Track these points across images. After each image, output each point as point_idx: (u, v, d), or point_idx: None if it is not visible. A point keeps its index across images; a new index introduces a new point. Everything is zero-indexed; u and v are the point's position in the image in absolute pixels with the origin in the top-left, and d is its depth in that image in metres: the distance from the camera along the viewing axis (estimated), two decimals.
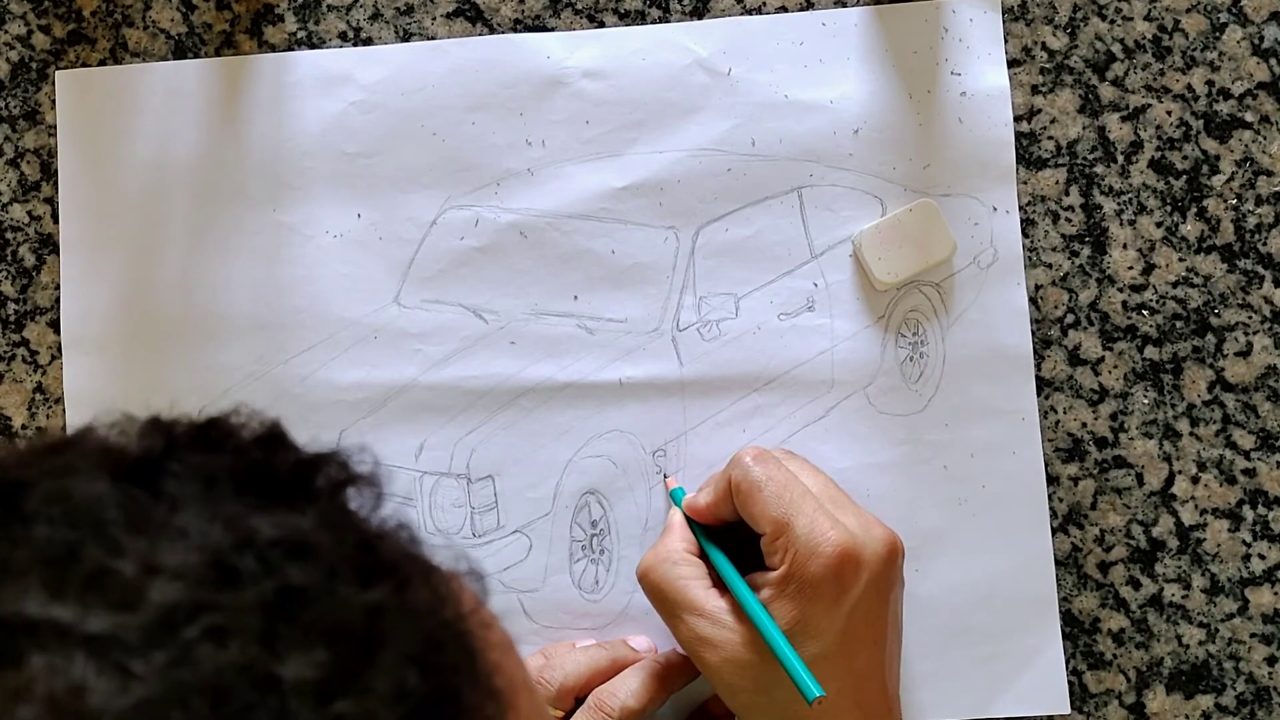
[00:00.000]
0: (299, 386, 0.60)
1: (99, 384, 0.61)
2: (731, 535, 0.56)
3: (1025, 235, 0.61)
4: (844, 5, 0.62)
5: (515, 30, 0.62)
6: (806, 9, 0.62)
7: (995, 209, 0.61)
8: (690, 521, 0.57)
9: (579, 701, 0.56)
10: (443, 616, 0.30)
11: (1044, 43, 0.62)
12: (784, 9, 0.62)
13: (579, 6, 0.63)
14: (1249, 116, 0.61)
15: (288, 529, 0.28)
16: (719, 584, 0.54)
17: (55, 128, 0.62)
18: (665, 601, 0.54)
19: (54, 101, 0.62)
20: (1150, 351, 0.61)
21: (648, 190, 0.61)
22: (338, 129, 0.62)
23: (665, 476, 0.60)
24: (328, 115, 0.62)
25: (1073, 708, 0.59)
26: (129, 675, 0.25)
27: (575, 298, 0.61)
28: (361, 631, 0.27)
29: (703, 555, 0.56)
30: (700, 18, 0.62)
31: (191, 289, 0.61)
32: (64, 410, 0.61)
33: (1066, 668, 0.59)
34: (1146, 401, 0.60)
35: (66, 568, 0.27)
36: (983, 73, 0.61)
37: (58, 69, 0.62)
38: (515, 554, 0.59)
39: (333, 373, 0.61)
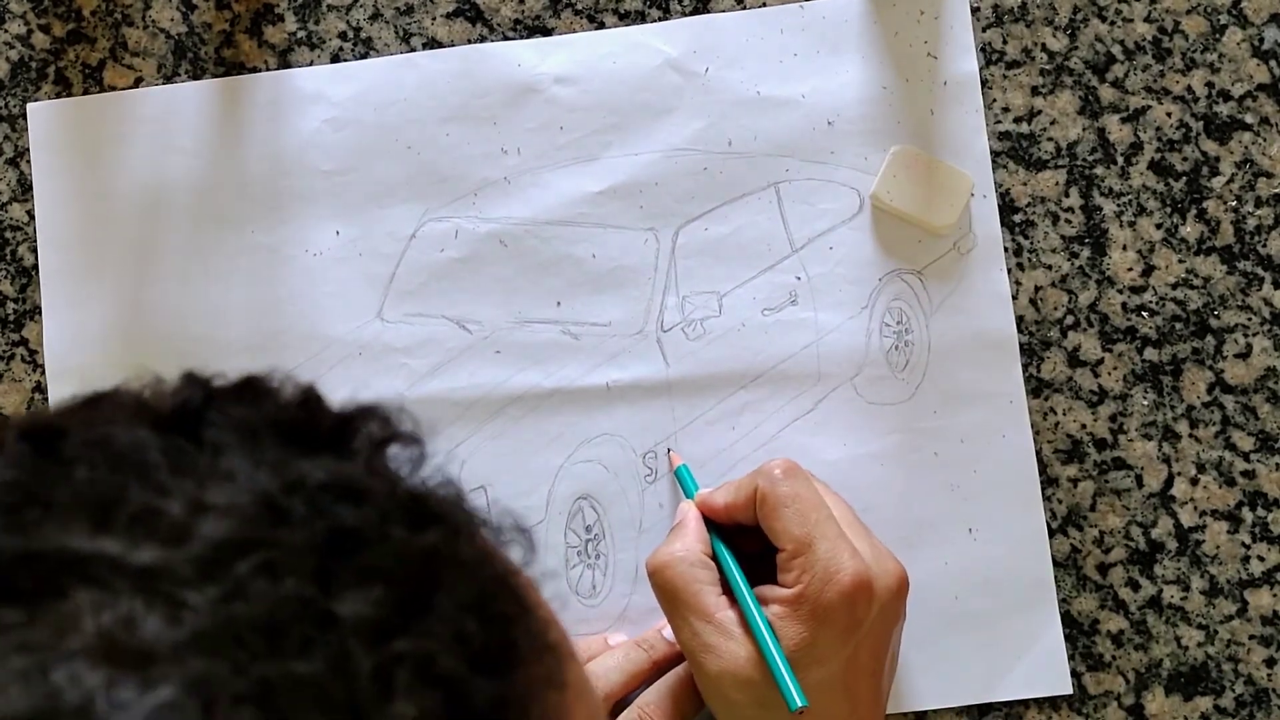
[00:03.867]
0: None
1: None
2: (729, 538, 0.55)
3: (1025, 237, 0.61)
4: None
5: (515, 30, 0.62)
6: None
7: (973, 194, 0.61)
8: (707, 521, 0.56)
9: (620, 705, 0.56)
10: (494, 569, 0.29)
11: (1044, 44, 0.62)
12: (764, 3, 0.62)
13: (579, 7, 0.63)
14: (1249, 118, 0.61)
15: (337, 474, 0.27)
16: (728, 591, 0.54)
17: None
18: (675, 602, 0.54)
19: (54, 100, 0.62)
20: (1150, 353, 0.60)
21: (625, 193, 0.61)
22: (312, 147, 0.62)
23: (669, 451, 0.59)
24: (301, 134, 0.62)
25: (1071, 709, 0.58)
26: (181, 607, 0.24)
27: (558, 304, 0.61)
28: (418, 574, 0.27)
29: (712, 556, 0.55)
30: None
31: (173, 315, 0.61)
32: None
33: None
34: (1146, 403, 0.60)
35: (111, 506, 0.26)
36: (953, 59, 0.61)
37: (30, 101, 0.62)
38: None
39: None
